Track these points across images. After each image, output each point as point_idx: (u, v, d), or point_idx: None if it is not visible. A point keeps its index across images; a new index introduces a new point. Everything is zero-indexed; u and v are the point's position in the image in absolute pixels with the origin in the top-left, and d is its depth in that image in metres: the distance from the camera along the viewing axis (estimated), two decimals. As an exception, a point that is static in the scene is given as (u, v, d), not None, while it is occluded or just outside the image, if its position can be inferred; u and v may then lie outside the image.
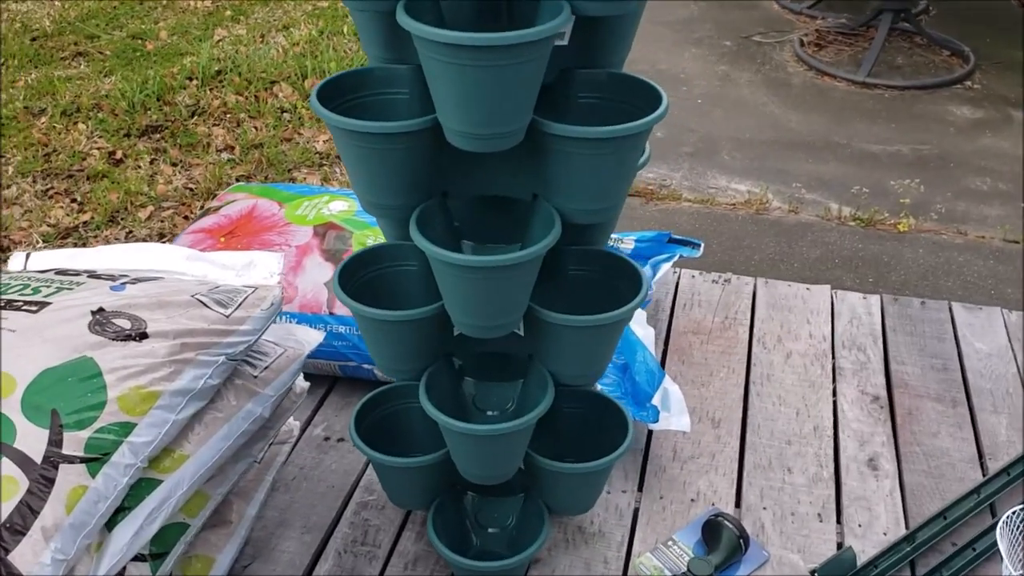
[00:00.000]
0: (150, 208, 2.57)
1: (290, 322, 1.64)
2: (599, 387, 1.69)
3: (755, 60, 3.56)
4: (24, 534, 1.01)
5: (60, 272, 1.40)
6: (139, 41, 3.67)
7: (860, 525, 1.53)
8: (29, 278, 1.36)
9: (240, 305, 1.35)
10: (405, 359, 1.26)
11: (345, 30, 3.70)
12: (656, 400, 1.64)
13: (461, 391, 1.36)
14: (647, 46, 3.59)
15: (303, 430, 1.72)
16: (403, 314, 1.17)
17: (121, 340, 1.22)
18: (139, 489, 1.16)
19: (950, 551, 1.46)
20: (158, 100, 3.14)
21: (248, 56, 3.43)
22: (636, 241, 2.02)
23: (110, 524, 1.13)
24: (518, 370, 1.34)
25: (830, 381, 1.84)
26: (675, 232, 2.05)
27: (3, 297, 1.28)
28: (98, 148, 2.88)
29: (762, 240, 2.51)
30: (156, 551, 1.20)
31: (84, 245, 2.44)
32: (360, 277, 1.24)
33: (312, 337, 1.54)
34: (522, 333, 1.26)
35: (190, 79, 3.29)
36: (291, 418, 1.67)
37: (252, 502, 1.49)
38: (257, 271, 1.47)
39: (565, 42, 1.13)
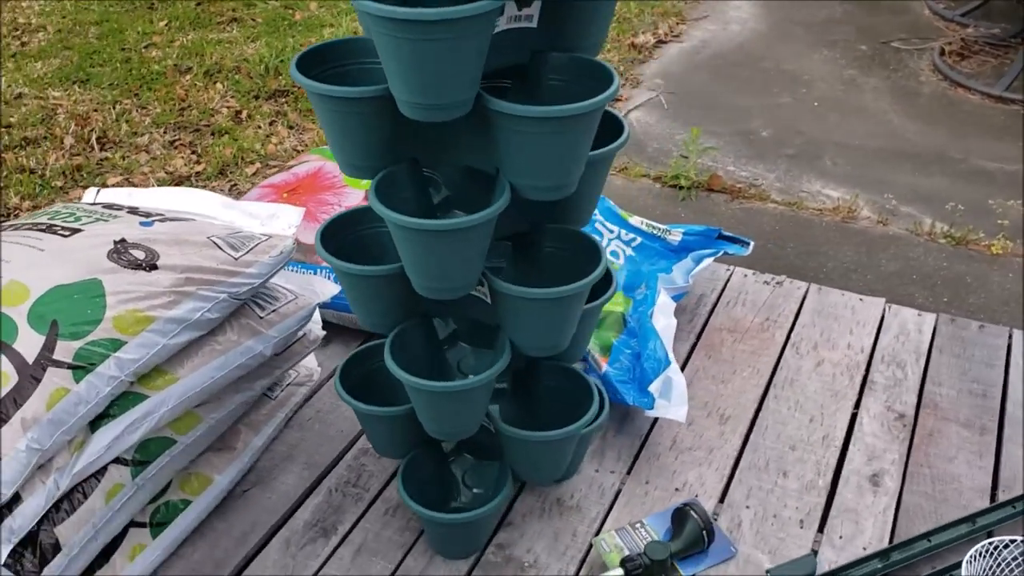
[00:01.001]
0: (257, 165, 2.77)
1: (315, 274, 1.76)
2: (608, 368, 1.73)
3: (887, 67, 3.43)
4: (5, 422, 1.16)
5: (108, 206, 1.56)
6: (290, 11, 3.91)
7: (841, 537, 1.51)
8: (80, 209, 1.53)
9: (251, 250, 1.48)
10: (379, 314, 1.34)
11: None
12: (655, 387, 1.67)
13: (442, 353, 1.43)
14: (777, 44, 3.52)
15: (329, 376, 1.84)
16: (368, 269, 1.26)
17: (132, 268, 1.36)
18: (125, 400, 1.30)
19: (925, 573, 1.43)
20: (291, 66, 3.35)
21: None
22: (684, 234, 2.03)
23: (94, 427, 1.27)
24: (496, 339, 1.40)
25: (856, 393, 1.80)
26: (753, 233, 2.03)
27: (49, 221, 1.46)
28: (227, 107, 3.12)
29: (841, 248, 2.44)
30: (139, 458, 1.34)
31: (193, 193, 2.66)
32: (344, 236, 1.33)
33: (328, 289, 1.66)
34: (488, 301, 1.32)
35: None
36: (315, 363, 1.80)
37: (260, 434, 1.62)
38: (278, 222, 1.59)
39: (533, 24, 1.18)
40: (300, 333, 1.60)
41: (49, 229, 1.42)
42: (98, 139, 2.93)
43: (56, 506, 1.24)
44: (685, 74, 3.37)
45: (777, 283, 2.11)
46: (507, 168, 1.17)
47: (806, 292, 2.07)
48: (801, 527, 1.52)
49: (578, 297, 1.27)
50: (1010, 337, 1.93)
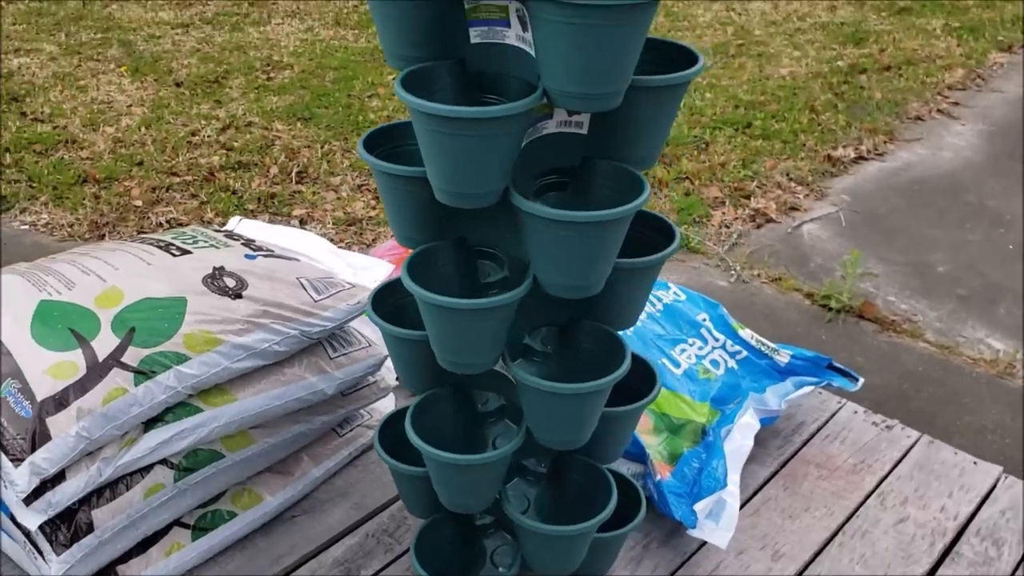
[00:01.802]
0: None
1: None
2: (668, 478, 1.70)
3: (1108, 221, 3.15)
4: (65, 408, 1.32)
5: (229, 235, 1.73)
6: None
7: None
8: (203, 234, 1.71)
9: (331, 296, 1.60)
10: (412, 376, 1.41)
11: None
12: (703, 506, 1.62)
13: (480, 427, 1.47)
14: (988, 178, 3.32)
15: (406, 428, 1.92)
16: (394, 329, 1.33)
17: (219, 293, 1.51)
18: (180, 409, 1.44)
19: None
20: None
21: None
22: (792, 356, 1.96)
23: (147, 427, 1.42)
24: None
25: (932, 562, 1.67)
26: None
27: (169, 240, 1.64)
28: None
29: (984, 404, 2.27)
30: (186, 465, 1.47)
31: (360, 235, 2.86)
32: (396, 299, 1.41)
33: (405, 345, 1.74)
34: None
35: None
36: (393, 408, 1.89)
37: (320, 467, 1.72)
38: (368, 274, 1.70)
39: (584, 131, 1.22)
40: (370, 379, 1.70)
41: (165, 247, 1.61)
42: (298, 173, 3.22)
43: (98, 492, 1.39)
44: (876, 194, 3.25)
45: (887, 426, 1.99)
46: (532, 260, 1.22)
47: (915, 442, 1.94)
48: None
49: (588, 396, 1.28)
50: None
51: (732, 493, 1.66)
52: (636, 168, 1.23)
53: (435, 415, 1.40)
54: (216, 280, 1.53)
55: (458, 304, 1.18)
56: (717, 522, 1.62)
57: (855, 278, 2.63)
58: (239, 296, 1.52)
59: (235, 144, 3.40)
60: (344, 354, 1.63)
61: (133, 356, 1.39)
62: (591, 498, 1.44)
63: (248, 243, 1.70)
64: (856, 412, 2.03)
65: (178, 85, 3.88)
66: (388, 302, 1.41)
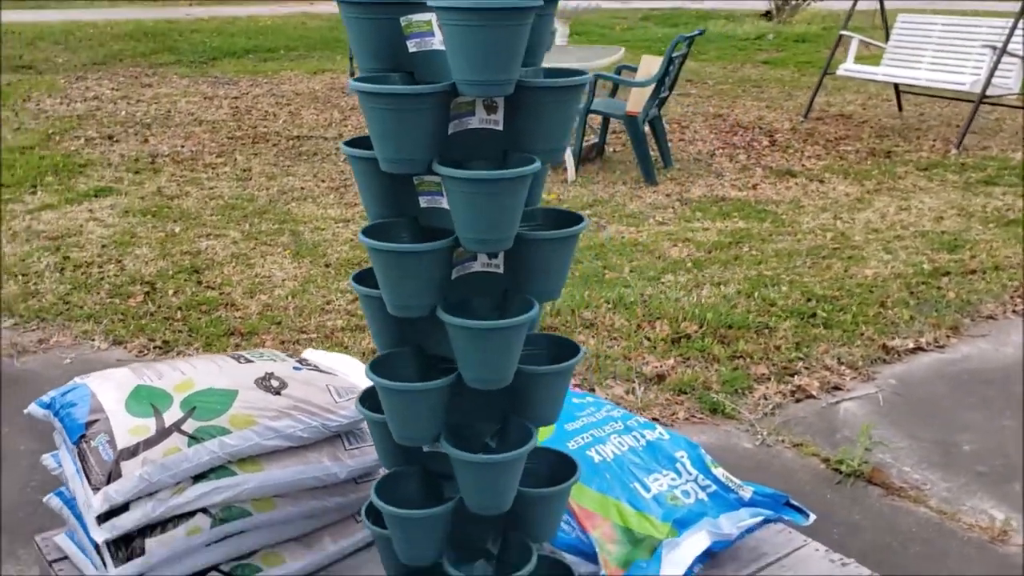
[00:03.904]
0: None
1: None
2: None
3: None
4: (135, 456, 1.84)
5: (289, 356, 2.26)
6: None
7: None
8: (272, 353, 2.25)
9: (350, 399, 2.08)
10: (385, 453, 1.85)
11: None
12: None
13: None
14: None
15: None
16: (371, 415, 1.78)
17: (264, 390, 2.03)
18: (221, 471, 1.92)
19: None
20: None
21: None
22: (755, 492, 2.25)
23: (195, 480, 1.90)
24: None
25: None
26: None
27: (244, 355, 2.19)
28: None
29: (967, 565, 2.42)
30: (221, 516, 1.94)
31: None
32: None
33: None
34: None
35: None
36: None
37: (337, 544, 2.14)
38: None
39: (500, 128, 1.64)
40: (381, 471, 2.13)
41: (237, 359, 2.15)
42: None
43: (152, 526, 1.88)
44: (924, 381, 3.45)
45: (843, 563, 2.20)
46: (455, 220, 1.67)
47: (868, 583, 2.15)
48: None
49: (505, 465, 1.67)
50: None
51: (662, 588, 1.95)
52: (544, 159, 1.65)
53: (403, 489, 1.82)
54: (265, 381, 2.05)
55: (403, 387, 1.64)
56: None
57: (866, 445, 2.85)
58: (279, 393, 2.03)
59: (359, 312, 4.02)
60: (357, 447, 2.09)
61: (190, 426, 1.91)
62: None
63: (302, 362, 2.23)
64: (817, 550, 2.26)
65: (327, 266, 4.62)
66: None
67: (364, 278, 1.78)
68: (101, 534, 1.82)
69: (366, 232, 1.65)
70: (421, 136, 1.60)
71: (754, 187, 6.06)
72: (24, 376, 3.40)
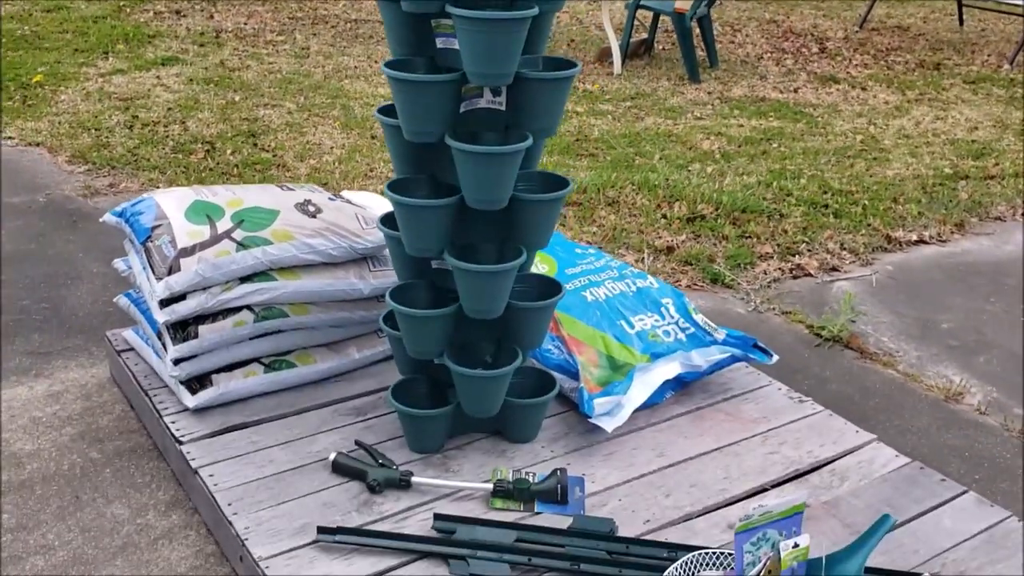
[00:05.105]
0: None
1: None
2: (592, 392, 2.33)
3: None
4: (192, 255, 2.19)
5: (329, 190, 2.58)
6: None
7: (665, 537, 1.97)
8: (310, 186, 2.57)
9: (375, 227, 2.39)
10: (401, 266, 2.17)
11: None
12: (601, 402, 2.25)
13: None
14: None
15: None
16: (388, 232, 2.10)
17: (302, 213, 2.35)
18: (263, 276, 2.27)
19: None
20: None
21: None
22: (727, 335, 2.55)
23: (242, 281, 2.25)
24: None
25: (781, 479, 2.18)
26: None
27: (284, 184, 2.51)
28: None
29: (919, 417, 2.70)
30: (262, 314, 2.29)
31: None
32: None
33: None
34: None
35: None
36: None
37: (362, 351, 2.50)
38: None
39: (503, 108, 1.97)
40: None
41: (281, 187, 2.48)
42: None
43: (204, 316, 2.23)
44: (920, 270, 3.68)
45: (800, 400, 2.50)
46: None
47: (817, 412, 2.44)
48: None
49: (499, 275, 1.98)
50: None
51: (631, 400, 2.27)
52: (539, 137, 1.96)
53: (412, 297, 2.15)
54: (303, 206, 2.38)
55: (414, 202, 1.96)
56: (612, 417, 2.24)
57: (850, 316, 3.12)
58: (314, 216, 2.35)
59: (401, 180, 4.33)
60: (380, 270, 2.42)
61: (239, 235, 2.25)
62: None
63: (336, 195, 2.55)
64: (780, 388, 2.56)
65: (373, 138, 4.92)
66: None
67: (387, 111, 2.08)
68: (163, 316, 2.18)
69: (389, 64, 1.94)
70: (437, 113, 1.92)
71: (795, 91, 6.19)
72: (96, 213, 3.78)
